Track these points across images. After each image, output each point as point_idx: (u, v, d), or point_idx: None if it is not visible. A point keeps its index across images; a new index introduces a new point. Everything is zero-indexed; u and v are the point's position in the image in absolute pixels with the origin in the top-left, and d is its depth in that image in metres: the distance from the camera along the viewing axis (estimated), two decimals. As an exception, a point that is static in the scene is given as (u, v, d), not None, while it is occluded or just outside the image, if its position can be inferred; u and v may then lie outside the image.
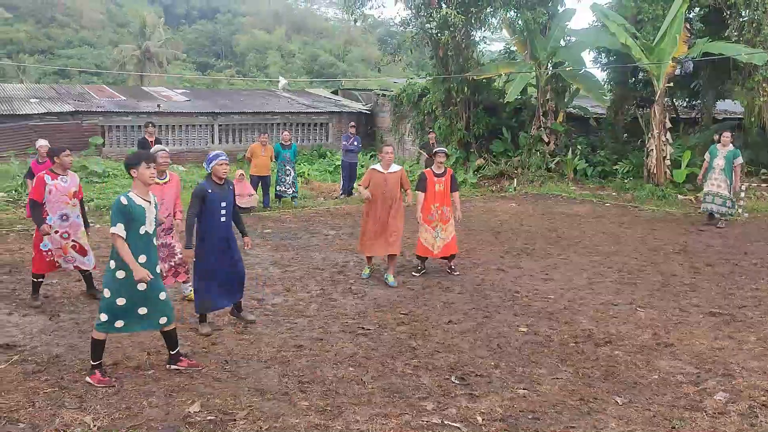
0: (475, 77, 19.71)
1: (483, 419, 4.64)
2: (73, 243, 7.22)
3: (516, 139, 20.38)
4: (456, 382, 5.31)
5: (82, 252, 7.31)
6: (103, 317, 5.10)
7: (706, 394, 5.09)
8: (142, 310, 5.19)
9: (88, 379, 5.12)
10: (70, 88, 24.65)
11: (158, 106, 21.49)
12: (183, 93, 25.47)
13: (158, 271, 5.30)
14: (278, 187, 14.48)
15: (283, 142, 14.41)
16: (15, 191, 14.39)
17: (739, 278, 8.75)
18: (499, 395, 5.05)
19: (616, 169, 18.63)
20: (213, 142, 21.86)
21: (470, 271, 9.04)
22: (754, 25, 15.60)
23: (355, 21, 21.11)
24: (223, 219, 6.30)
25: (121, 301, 5.09)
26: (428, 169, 8.87)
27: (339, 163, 18.04)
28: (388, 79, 30.78)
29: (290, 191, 14.54)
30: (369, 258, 8.69)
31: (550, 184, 18.18)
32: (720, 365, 5.67)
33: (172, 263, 7.12)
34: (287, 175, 14.40)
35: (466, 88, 19.76)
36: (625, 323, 6.85)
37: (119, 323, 5.15)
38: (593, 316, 7.07)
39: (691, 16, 18.76)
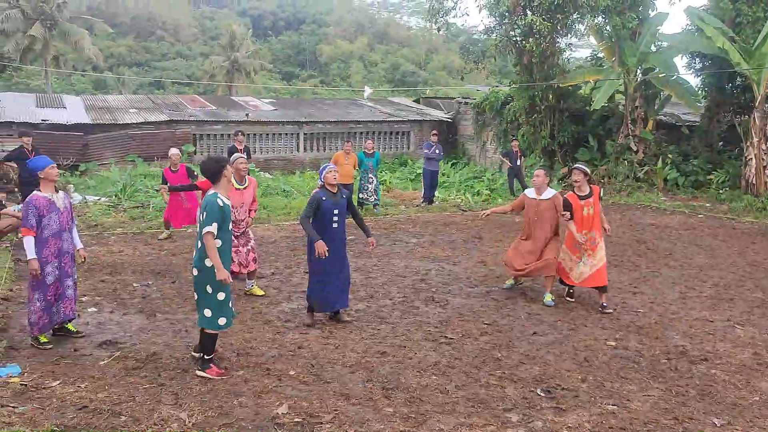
0: (560, 84, 19.34)
1: (570, 434, 4.54)
2: None
3: (602, 147, 19.84)
4: (541, 394, 5.22)
5: None
6: (207, 312, 5.42)
7: (813, 419, 4.79)
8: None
9: (202, 373, 5.41)
10: (165, 99, 25.88)
11: (246, 115, 22.23)
12: (270, 102, 26.24)
13: None
14: (360, 195, 14.69)
15: (366, 150, 14.61)
16: (115, 196, 15.22)
17: None
18: (586, 410, 4.92)
19: (711, 179, 17.82)
20: (298, 150, 22.40)
21: (555, 282, 8.85)
22: None
23: (439, 30, 21.15)
24: (335, 225, 6.73)
25: (221, 296, 5.41)
26: (571, 193, 7.76)
27: (420, 171, 18.09)
28: (471, 87, 30.65)
29: (372, 199, 14.71)
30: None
31: (638, 194, 17.58)
32: (829, 389, 5.32)
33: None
34: (369, 183, 14.58)
35: (550, 96, 19.44)
36: (722, 341, 6.53)
37: (222, 321, 5.44)
38: (687, 332, 6.78)
39: (794, 17, 17.71)
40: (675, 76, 18.96)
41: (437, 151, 15.94)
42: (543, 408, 4.97)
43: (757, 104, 16.51)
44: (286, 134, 22.38)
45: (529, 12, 18.42)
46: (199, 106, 23.58)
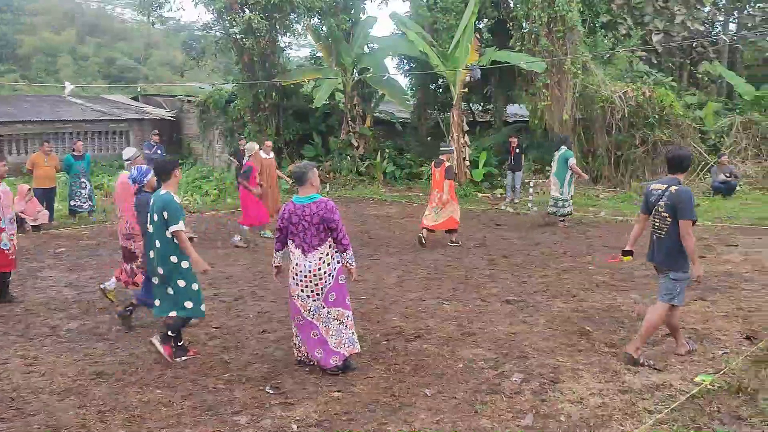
0: (283, 83, 19.68)
1: (298, 426, 4.59)
2: None
3: (326, 143, 20.67)
4: (270, 392, 5.21)
5: None
6: (189, 304, 5.81)
7: (503, 377, 5.46)
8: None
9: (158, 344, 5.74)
10: None
11: None
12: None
13: None
14: (72, 202, 13.33)
15: (75, 152, 13.27)
16: None
17: (530, 267, 9.56)
18: (313, 400, 5.02)
19: (422, 171, 19.60)
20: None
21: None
22: (533, 36, 17.21)
23: (153, 24, 20.12)
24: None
25: (195, 286, 5.86)
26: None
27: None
28: (194, 85, 29.73)
29: (87, 205, 13.44)
30: None
31: (360, 187, 18.66)
32: (515, 349, 6.12)
33: None
34: (83, 188, 13.29)
35: (274, 94, 19.70)
36: (432, 317, 7.17)
37: (203, 307, 6.02)
38: (403, 313, 7.32)
39: (480, 26, 20.28)
40: (386, 77, 20.47)
41: (159, 152, 15.14)
42: (272, 405, 4.96)
43: (454, 103, 18.54)
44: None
45: (247, 9, 18.39)
46: None
